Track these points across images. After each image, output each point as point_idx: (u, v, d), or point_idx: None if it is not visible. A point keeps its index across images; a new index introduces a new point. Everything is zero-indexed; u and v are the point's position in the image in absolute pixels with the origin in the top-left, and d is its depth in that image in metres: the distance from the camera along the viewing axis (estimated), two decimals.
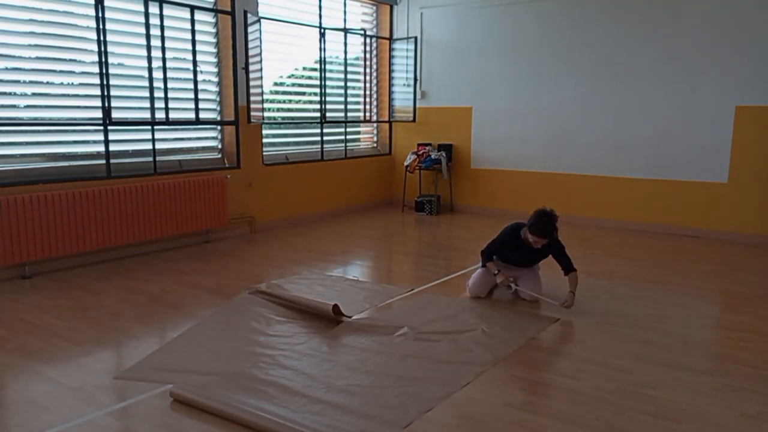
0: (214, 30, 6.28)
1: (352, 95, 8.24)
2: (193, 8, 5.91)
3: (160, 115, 5.76)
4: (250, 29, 6.34)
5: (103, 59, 5.26)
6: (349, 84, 8.06)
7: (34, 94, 5.07)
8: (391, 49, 8.58)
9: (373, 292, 4.54)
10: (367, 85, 8.45)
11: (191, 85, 6.02)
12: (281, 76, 7.45)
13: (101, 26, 5.21)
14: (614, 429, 2.63)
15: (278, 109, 7.41)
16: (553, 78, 7.40)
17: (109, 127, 5.40)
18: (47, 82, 5.12)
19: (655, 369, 3.24)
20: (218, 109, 6.42)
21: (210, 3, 6.22)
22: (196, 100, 6.06)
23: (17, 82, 4.96)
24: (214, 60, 6.32)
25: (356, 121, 8.46)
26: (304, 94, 7.73)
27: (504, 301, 4.36)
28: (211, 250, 6.00)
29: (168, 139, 6.03)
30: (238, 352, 3.41)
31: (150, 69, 5.63)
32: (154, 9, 5.58)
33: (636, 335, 3.73)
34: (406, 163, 8.19)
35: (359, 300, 4.34)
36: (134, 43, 5.55)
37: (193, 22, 5.92)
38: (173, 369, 3.18)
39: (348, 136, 8.25)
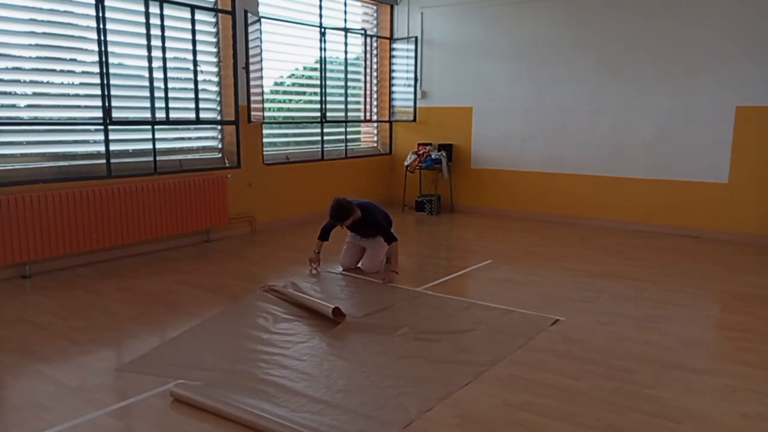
0: (214, 30, 6.28)
1: (353, 95, 8.24)
2: (193, 8, 5.91)
3: (160, 114, 5.76)
4: (250, 29, 6.34)
5: (104, 59, 5.26)
6: (349, 84, 8.06)
7: (34, 94, 5.08)
8: (391, 49, 8.58)
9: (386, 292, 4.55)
10: (368, 84, 8.45)
11: (191, 85, 6.02)
12: (281, 76, 7.46)
13: (101, 26, 5.21)
14: (614, 429, 2.63)
15: (278, 109, 7.41)
16: (554, 78, 7.40)
17: (110, 127, 5.40)
18: (47, 82, 5.12)
19: (655, 369, 3.24)
20: (218, 108, 6.42)
21: (210, 3, 6.22)
22: (197, 99, 6.06)
23: (17, 81, 4.96)
24: (215, 60, 6.32)
25: (356, 121, 8.46)
26: (304, 93, 7.73)
27: (501, 302, 4.35)
28: (212, 249, 6.00)
29: (168, 139, 6.03)
30: (240, 349, 3.41)
31: (150, 69, 5.63)
32: (154, 9, 5.59)
33: (636, 335, 3.73)
34: (406, 163, 8.19)
35: (366, 300, 4.35)
36: (135, 42, 5.55)
37: (193, 21, 5.92)
38: (173, 363, 3.21)
39: (348, 136, 8.25)
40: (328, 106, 7.75)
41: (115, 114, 5.40)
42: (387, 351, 3.41)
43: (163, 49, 5.69)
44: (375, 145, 8.90)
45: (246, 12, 6.30)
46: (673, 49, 6.63)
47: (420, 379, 3.06)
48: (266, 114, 6.98)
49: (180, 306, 4.22)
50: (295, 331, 3.74)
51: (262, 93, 6.66)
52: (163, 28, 5.66)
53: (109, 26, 5.28)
